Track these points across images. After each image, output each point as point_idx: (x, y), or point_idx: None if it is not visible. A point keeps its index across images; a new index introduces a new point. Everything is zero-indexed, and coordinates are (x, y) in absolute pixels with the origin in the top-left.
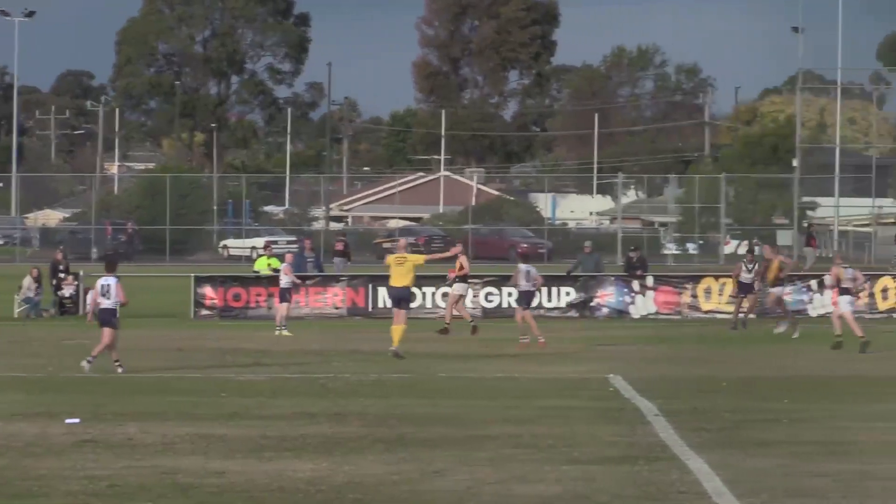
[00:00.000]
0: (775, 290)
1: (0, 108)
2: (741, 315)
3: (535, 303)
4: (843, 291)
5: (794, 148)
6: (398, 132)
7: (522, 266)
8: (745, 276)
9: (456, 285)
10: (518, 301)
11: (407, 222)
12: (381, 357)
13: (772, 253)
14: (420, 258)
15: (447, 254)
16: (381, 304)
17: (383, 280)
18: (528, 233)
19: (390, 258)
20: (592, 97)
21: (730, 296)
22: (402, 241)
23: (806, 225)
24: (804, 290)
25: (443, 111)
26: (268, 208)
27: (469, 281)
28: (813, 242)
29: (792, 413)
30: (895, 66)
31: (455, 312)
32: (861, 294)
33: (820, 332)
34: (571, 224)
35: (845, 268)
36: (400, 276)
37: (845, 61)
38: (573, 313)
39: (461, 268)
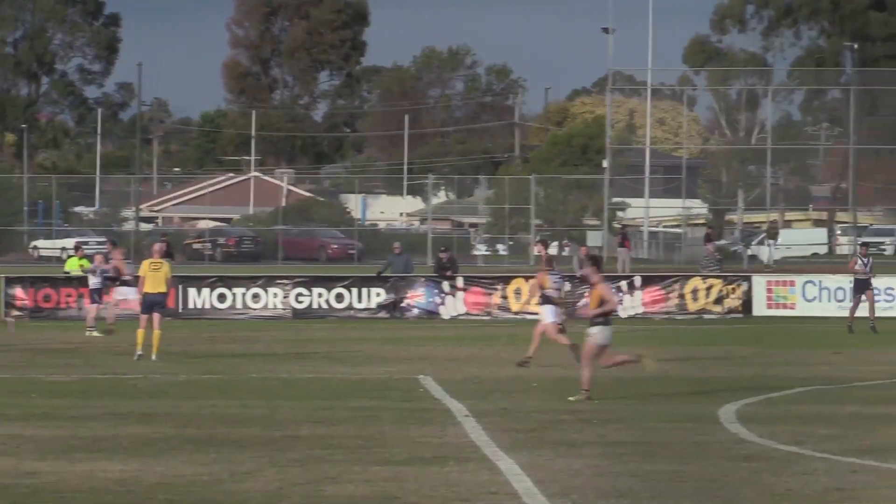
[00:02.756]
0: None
1: None
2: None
3: None
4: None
5: (603, 148)
6: (208, 133)
7: None
8: (862, 273)
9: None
10: None
11: (217, 223)
12: (189, 358)
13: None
14: (169, 268)
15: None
16: (191, 305)
17: (193, 281)
18: (339, 233)
19: (145, 264)
20: (403, 98)
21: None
22: (157, 245)
23: (619, 226)
24: (614, 290)
25: (253, 112)
26: (78, 209)
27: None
28: (627, 244)
29: (602, 413)
30: (701, 67)
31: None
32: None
33: (626, 334)
34: (382, 225)
35: None
36: (156, 282)
37: (655, 62)
38: (383, 314)
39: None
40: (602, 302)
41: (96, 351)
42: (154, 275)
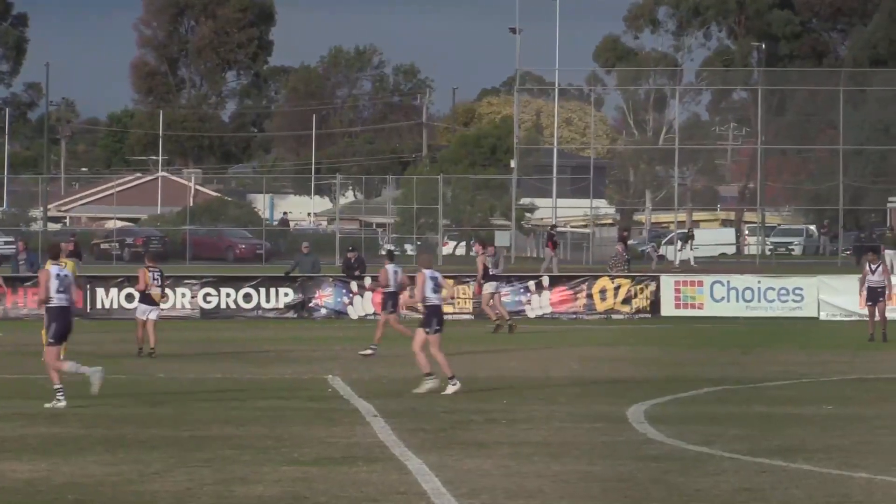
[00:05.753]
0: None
1: None
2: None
3: None
4: (144, 300)
5: (511, 149)
6: (116, 133)
7: None
8: (873, 279)
9: (486, 284)
10: None
11: (125, 223)
12: (98, 358)
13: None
14: (75, 268)
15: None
16: (99, 305)
17: (101, 281)
18: (247, 233)
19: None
20: (310, 98)
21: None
22: (64, 245)
23: (549, 228)
24: (522, 290)
25: (160, 112)
26: None
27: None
28: (549, 244)
29: (510, 414)
30: (610, 67)
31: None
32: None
33: (534, 333)
34: (289, 224)
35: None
36: None
37: (563, 62)
38: (291, 314)
39: (485, 268)
40: None
41: (4, 352)
42: None
